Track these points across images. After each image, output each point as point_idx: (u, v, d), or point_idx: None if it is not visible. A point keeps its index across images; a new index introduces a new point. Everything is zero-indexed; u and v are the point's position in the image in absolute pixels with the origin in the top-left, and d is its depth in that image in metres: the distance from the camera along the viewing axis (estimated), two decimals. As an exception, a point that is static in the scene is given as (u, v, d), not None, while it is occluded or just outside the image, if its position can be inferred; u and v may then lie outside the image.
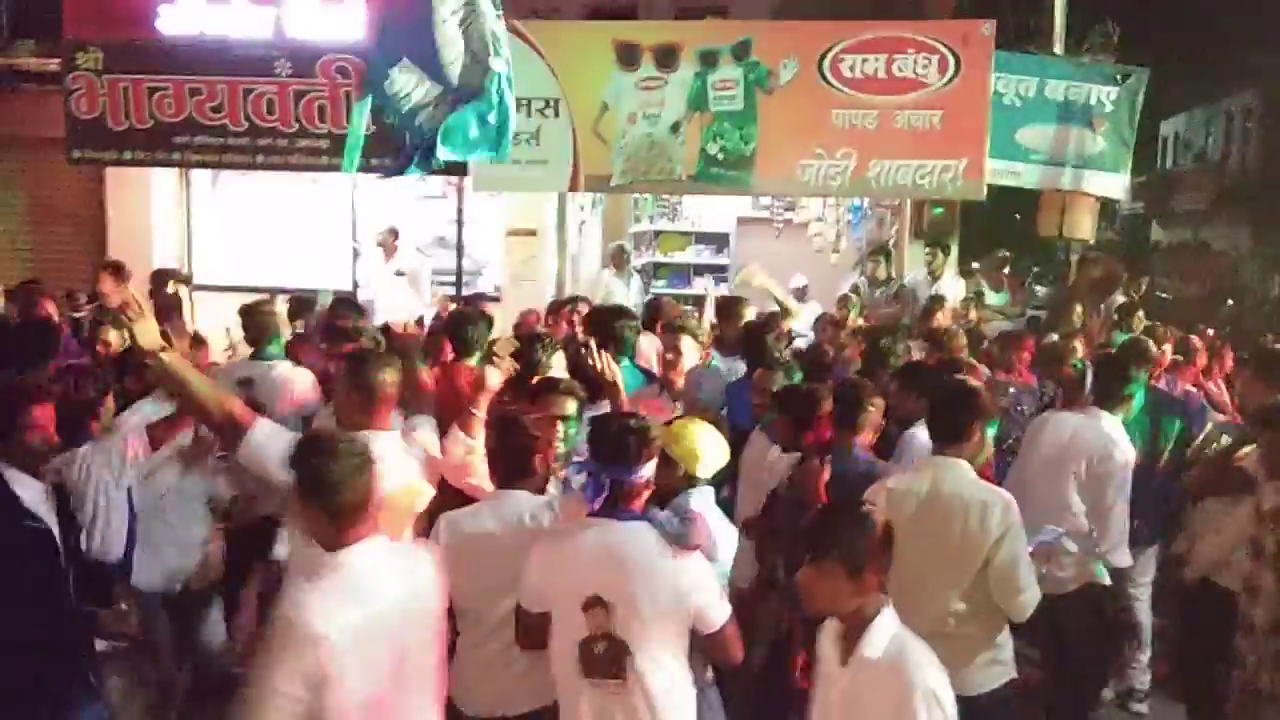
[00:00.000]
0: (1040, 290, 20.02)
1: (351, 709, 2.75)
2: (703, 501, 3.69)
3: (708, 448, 3.76)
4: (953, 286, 9.30)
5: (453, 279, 10.31)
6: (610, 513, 3.26)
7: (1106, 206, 10.57)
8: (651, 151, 8.55)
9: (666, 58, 8.45)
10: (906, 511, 3.65)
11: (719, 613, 3.24)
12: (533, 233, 9.99)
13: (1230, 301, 18.08)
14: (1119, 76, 8.67)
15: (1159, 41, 17.18)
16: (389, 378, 3.90)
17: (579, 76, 8.49)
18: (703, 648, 3.32)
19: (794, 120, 8.37)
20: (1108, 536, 4.75)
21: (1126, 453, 4.82)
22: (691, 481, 3.73)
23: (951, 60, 8.16)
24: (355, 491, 2.85)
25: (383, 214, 10.15)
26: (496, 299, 9.66)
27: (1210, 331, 9.97)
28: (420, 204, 10.63)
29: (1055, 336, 7.45)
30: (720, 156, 8.51)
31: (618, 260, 10.40)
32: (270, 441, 3.56)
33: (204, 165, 9.26)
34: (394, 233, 9.95)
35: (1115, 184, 8.83)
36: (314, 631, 2.68)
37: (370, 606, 2.82)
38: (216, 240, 10.48)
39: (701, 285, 12.42)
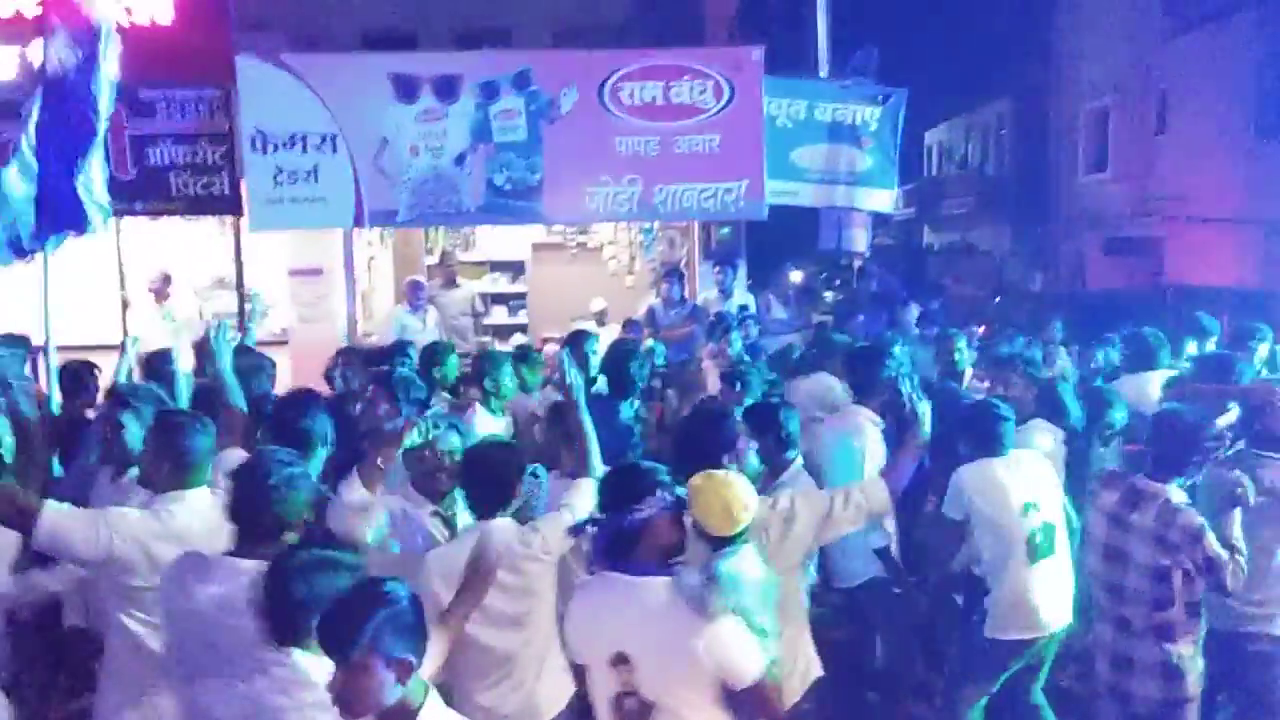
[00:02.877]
0: (829, 296, 20.95)
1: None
2: (743, 563, 3.19)
3: (732, 503, 3.26)
4: (743, 302, 9.56)
5: (235, 322, 9.82)
6: (622, 565, 3.12)
7: (882, 214, 11.14)
8: (438, 184, 8.45)
9: (446, 89, 8.36)
10: None
11: (751, 668, 3.03)
12: (319, 271, 9.64)
13: (997, 298, 19.39)
14: (880, 97, 9.17)
15: (916, 57, 18.32)
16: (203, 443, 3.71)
17: (356, 110, 8.28)
18: (742, 703, 3.11)
19: (578, 148, 8.44)
20: None
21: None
22: (729, 540, 3.25)
23: (726, 86, 8.42)
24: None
25: (153, 258, 9.57)
26: (284, 341, 9.27)
27: (981, 328, 10.67)
28: (194, 245, 10.09)
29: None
30: (507, 187, 8.48)
31: (412, 296, 10.17)
32: (64, 522, 3.39)
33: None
34: (166, 278, 9.40)
35: (884, 198, 9.33)
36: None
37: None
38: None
39: (499, 314, 12.34)
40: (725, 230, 10.17)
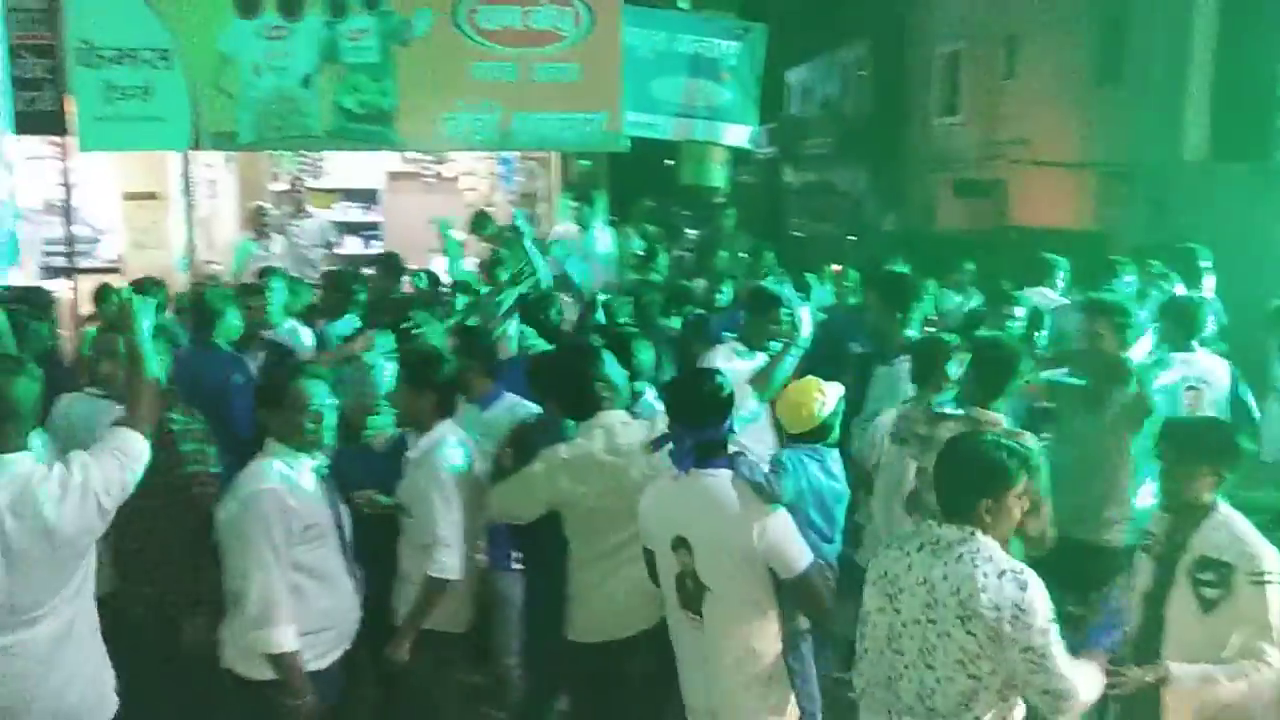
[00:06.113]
0: (691, 233, 21.01)
1: None
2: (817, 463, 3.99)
3: (804, 402, 4.02)
4: (602, 238, 9.50)
5: (64, 249, 9.25)
6: (699, 464, 3.34)
7: (743, 152, 11.22)
8: (282, 106, 8.12)
9: (290, 4, 8.01)
10: None
11: (799, 559, 3.28)
12: (154, 195, 9.13)
13: (853, 237, 19.81)
14: (740, 31, 9.16)
15: (778, -5, 18.39)
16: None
17: (193, 24, 7.86)
18: (790, 595, 3.36)
19: (434, 73, 8.21)
20: None
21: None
22: (803, 437, 4.03)
23: (585, 12, 8.28)
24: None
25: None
26: (117, 269, 8.79)
27: (837, 267, 10.85)
28: (20, 166, 9.40)
29: (703, 281, 7.87)
30: (358, 111, 8.19)
31: (257, 223, 9.74)
32: None
33: None
34: (-12, 201, 8.75)
35: (742, 134, 9.36)
36: None
37: None
38: None
39: (352, 244, 11.95)
40: (586, 162, 10.06)
